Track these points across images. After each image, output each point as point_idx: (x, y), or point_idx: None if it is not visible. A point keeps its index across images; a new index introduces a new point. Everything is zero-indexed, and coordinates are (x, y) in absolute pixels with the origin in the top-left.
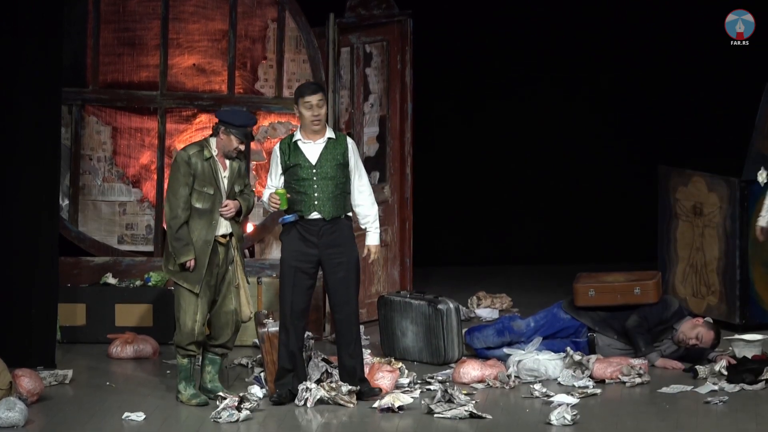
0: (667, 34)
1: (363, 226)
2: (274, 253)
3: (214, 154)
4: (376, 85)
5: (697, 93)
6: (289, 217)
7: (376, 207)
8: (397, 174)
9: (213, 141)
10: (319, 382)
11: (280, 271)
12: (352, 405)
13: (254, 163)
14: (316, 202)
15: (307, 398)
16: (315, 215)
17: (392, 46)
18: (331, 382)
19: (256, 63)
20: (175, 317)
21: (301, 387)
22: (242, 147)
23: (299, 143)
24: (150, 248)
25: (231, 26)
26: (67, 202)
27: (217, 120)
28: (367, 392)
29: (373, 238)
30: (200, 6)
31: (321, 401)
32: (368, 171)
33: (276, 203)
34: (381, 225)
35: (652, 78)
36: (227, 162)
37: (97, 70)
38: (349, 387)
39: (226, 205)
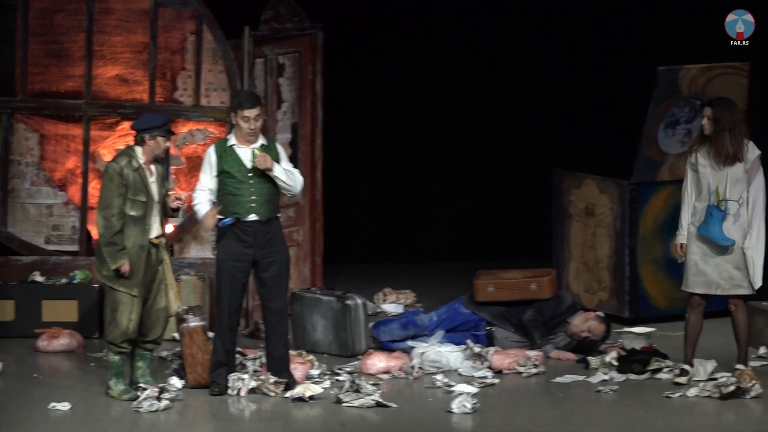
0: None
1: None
2: (192, 252)
3: (141, 162)
4: (288, 94)
5: (588, 102)
6: (228, 220)
7: (301, 180)
8: (308, 177)
9: (138, 150)
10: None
11: (217, 271)
12: (276, 394)
13: (173, 167)
14: (253, 205)
15: (240, 388)
16: (252, 217)
17: (304, 57)
18: (258, 373)
19: (175, 73)
20: (107, 315)
21: (232, 377)
22: (169, 144)
23: (235, 148)
24: (75, 248)
25: (152, 38)
26: None
27: (135, 132)
28: (292, 384)
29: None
30: (123, 20)
31: (252, 390)
32: None
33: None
34: (293, 226)
35: (554, 86)
36: (153, 168)
37: (26, 80)
38: (276, 379)
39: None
